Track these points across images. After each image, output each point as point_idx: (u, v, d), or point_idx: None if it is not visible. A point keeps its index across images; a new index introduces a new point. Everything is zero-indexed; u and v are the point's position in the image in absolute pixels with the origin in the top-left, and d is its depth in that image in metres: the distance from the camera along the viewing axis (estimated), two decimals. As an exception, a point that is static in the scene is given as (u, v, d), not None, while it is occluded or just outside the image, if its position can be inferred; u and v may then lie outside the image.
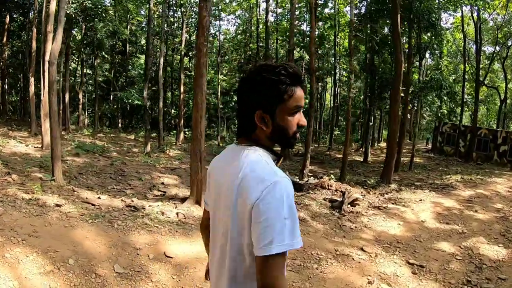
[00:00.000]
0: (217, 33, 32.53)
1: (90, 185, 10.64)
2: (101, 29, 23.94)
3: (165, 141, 26.45)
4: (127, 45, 30.23)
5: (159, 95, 21.15)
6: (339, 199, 10.41)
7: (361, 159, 22.63)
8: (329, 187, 11.57)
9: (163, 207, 8.48)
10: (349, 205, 9.96)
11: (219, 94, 28.95)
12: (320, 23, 23.59)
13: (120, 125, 32.89)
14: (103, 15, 22.73)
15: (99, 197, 8.93)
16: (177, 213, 7.96)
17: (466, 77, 30.61)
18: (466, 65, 27.25)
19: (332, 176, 13.57)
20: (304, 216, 9.22)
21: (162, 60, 21.79)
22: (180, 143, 25.30)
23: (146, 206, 8.33)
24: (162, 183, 12.13)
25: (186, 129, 29.08)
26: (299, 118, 1.50)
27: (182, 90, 26.13)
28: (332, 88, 34.36)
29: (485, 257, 7.38)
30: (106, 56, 30.04)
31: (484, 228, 9.18)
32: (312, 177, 13.21)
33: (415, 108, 24.78)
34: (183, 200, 9.35)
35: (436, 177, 16.83)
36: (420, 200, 11.13)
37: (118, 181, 11.91)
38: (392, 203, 10.71)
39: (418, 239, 8.08)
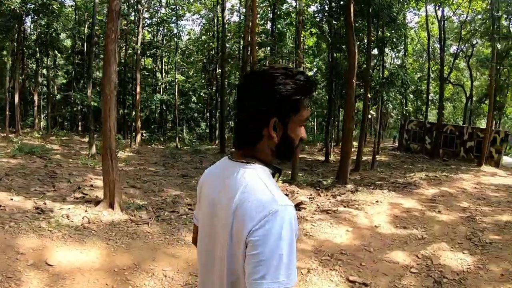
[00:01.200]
0: (180, 33, 30.68)
1: (12, 186, 9.30)
2: (54, 27, 21.90)
3: (123, 143, 24.64)
4: (85, 44, 28.06)
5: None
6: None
7: (323, 158, 21.14)
8: None
9: (73, 210, 7.33)
10: None
11: (176, 94, 27.09)
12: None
13: (80, 127, 30.66)
14: (56, 12, 20.66)
15: (11, 198, 7.97)
16: (83, 217, 6.98)
17: (432, 75, 29.80)
18: (431, 63, 26.15)
19: (281, 177, 11.98)
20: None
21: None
22: (137, 145, 23.42)
23: (55, 209, 7.39)
24: (91, 186, 10.51)
25: (143, 131, 27.23)
26: (303, 131, 1.37)
27: (138, 90, 24.37)
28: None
29: (446, 268, 5.88)
30: (60, 55, 27.78)
31: (447, 231, 7.73)
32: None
33: (376, 106, 23.57)
34: (97, 203, 7.91)
35: (399, 175, 15.48)
36: (377, 201, 9.65)
37: (44, 183, 10.42)
38: (344, 206, 9.18)
39: (367, 248, 6.53)
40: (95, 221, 6.91)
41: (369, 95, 16.40)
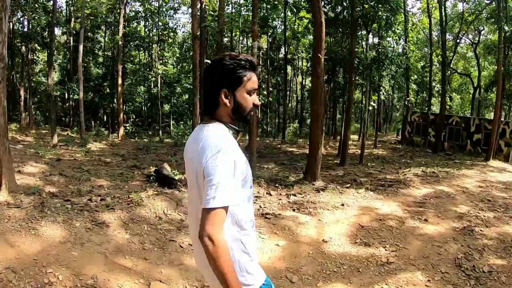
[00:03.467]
0: (166, 25, 28.19)
1: None
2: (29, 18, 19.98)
3: (105, 134, 22.61)
4: (67, 36, 26.13)
5: (79, 85, 17.31)
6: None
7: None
8: None
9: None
10: None
11: (159, 85, 24.77)
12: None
13: (70, 122, 28.78)
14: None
15: None
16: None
17: (435, 63, 26.90)
18: (433, 48, 23.16)
19: None
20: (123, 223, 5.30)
21: (81, 47, 17.91)
22: (119, 139, 21.40)
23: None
24: (18, 171, 8.59)
25: (127, 124, 25.12)
26: (254, 98, 1.73)
27: (119, 82, 22.44)
28: (292, 79, 30.54)
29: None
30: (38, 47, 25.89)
31: (429, 252, 5.25)
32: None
33: (376, 95, 20.79)
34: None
35: (391, 171, 12.89)
36: (343, 204, 7.17)
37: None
38: (294, 209, 6.75)
39: (293, 274, 4.13)
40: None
41: (358, 80, 13.75)
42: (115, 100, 28.63)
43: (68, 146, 16.01)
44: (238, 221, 1.64)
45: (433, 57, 22.47)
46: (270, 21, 21.35)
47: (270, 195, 7.82)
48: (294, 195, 7.82)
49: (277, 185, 8.82)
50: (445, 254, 5.18)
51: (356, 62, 14.24)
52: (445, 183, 10.85)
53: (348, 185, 9.55)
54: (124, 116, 28.73)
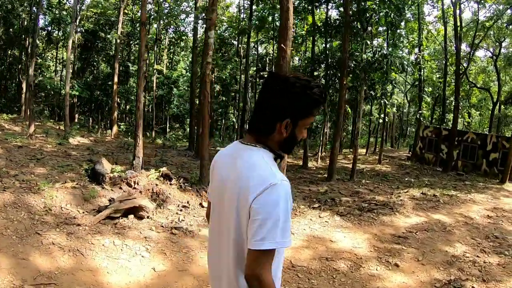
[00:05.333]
0: (168, 28, 26.92)
1: None
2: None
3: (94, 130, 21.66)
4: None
5: (67, 79, 16.24)
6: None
7: (301, 163, 16.55)
8: (135, 185, 6.48)
9: None
10: (121, 216, 5.28)
11: (154, 86, 23.52)
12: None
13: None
14: None
15: None
16: None
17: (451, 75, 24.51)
18: (448, 57, 20.76)
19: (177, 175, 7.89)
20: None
21: (70, 42, 17.01)
22: (112, 137, 20.39)
23: None
24: None
25: (121, 123, 23.94)
26: (305, 132, 1.51)
27: (115, 80, 21.39)
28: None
29: None
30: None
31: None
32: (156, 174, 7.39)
33: (388, 107, 18.68)
34: None
35: (385, 191, 10.83)
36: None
37: None
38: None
39: None
40: None
41: (353, 84, 11.76)
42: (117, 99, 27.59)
43: (46, 137, 15.12)
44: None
45: (448, 67, 20.12)
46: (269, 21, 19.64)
47: (202, 207, 6.24)
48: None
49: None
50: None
51: (352, 65, 12.29)
52: (445, 210, 8.75)
53: (317, 205, 7.63)
54: (124, 115, 27.61)
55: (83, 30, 26.86)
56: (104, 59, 28.23)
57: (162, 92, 25.77)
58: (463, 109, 30.32)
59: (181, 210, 6.05)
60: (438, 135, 21.51)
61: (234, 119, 29.40)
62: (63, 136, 15.85)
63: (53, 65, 30.44)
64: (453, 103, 25.55)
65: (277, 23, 21.83)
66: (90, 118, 26.81)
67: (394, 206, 8.25)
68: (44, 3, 20.09)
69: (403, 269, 4.69)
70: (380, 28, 18.34)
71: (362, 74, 12.20)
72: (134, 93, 25.82)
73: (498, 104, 25.70)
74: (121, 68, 25.44)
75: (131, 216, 5.32)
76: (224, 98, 26.72)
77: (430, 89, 23.91)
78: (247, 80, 20.85)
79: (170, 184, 7.03)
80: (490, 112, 28.98)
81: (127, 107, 29.08)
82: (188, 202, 6.40)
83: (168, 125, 26.65)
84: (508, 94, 23.86)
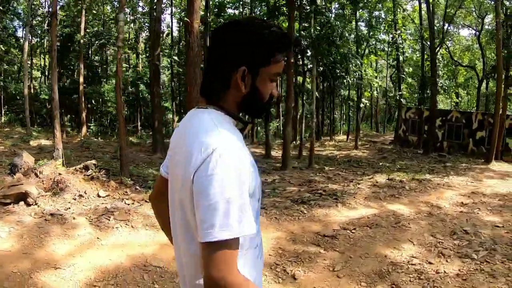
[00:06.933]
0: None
1: None
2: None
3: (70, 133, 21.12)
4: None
5: (24, 81, 15.00)
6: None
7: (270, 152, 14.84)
8: (40, 174, 6.52)
9: None
10: (12, 203, 5.28)
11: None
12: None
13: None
14: None
15: None
16: None
17: (440, 59, 22.62)
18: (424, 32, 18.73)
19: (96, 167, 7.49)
20: None
21: (26, 44, 16.72)
22: (82, 138, 19.24)
23: None
24: None
25: (92, 124, 22.64)
26: (273, 87, 1.15)
27: (81, 80, 20.70)
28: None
29: None
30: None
31: None
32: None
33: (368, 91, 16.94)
34: None
35: (348, 178, 9.09)
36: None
37: None
38: (107, 218, 4.85)
39: None
40: None
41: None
42: (92, 101, 26.08)
43: (4, 140, 14.78)
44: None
45: (425, 46, 18.25)
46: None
47: (99, 196, 6.19)
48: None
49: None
50: None
51: (306, 43, 10.63)
52: (409, 198, 7.03)
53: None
54: (98, 116, 26.40)
55: (58, 34, 25.51)
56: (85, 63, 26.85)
57: (130, 90, 24.41)
58: (450, 89, 28.45)
59: (74, 199, 5.92)
60: (420, 116, 19.77)
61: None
62: (23, 139, 15.42)
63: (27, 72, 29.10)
64: (439, 83, 23.81)
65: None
66: (62, 121, 25.54)
67: (343, 196, 6.52)
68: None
69: (300, 283, 3.00)
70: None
71: (313, 51, 10.48)
72: (107, 95, 24.62)
73: (485, 82, 23.85)
74: (94, 70, 24.20)
75: (22, 203, 5.32)
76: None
77: (411, 69, 22.09)
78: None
79: (85, 175, 6.96)
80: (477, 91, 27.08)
81: (104, 109, 27.72)
82: (85, 192, 6.22)
83: (139, 123, 25.04)
84: (490, 68, 21.95)
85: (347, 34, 11.04)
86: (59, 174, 6.58)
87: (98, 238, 4.38)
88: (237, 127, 1.11)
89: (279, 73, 1.14)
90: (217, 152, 0.93)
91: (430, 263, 4.10)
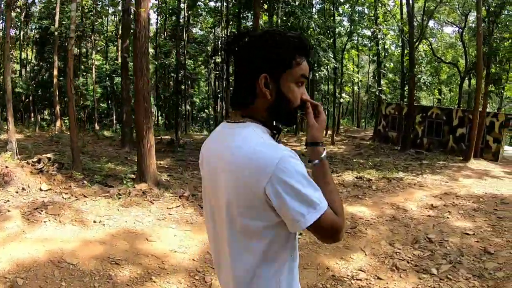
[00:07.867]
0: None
1: None
2: None
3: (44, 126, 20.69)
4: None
5: None
6: None
7: None
8: None
9: None
10: None
11: (93, 77, 21.30)
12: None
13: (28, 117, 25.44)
14: None
15: None
16: None
17: (423, 55, 22.02)
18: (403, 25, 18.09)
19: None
20: None
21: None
22: (56, 131, 18.35)
23: None
24: None
25: (66, 118, 21.80)
26: (303, 91, 1.14)
27: (55, 73, 19.55)
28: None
29: None
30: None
31: None
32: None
33: (348, 87, 16.21)
34: None
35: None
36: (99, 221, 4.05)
37: None
38: (40, 211, 4.72)
39: None
40: None
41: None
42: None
43: None
44: (294, 245, 1.14)
45: (404, 41, 17.61)
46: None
47: (41, 190, 6.10)
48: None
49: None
50: None
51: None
52: (373, 199, 6.30)
53: (187, 194, 5.25)
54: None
55: (37, 27, 24.52)
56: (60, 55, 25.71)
57: (103, 84, 23.42)
58: (432, 85, 27.96)
59: (17, 192, 5.91)
60: (400, 111, 19.17)
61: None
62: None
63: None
64: (421, 79, 23.24)
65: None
66: (39, 115, 24.64)
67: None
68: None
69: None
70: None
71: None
72: (87, 88, 23.64)
73: (467, 79, 23.38)
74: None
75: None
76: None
77: (392, 65, 21.47)
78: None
79: (35, 168, 6.96)
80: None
81: (84, 102, 26.68)
82: (29, 185, 6.21)
83: (115, 117, 23.97)
84: (472, 65, 21.42)
85: (313, 25, 10.22)
86: (6, 167, 6.54)
87: (23, 231, 4.17)
88: (274, 138, 1.11)
89: (305, 76, 1.11)
90: (282, 160, 0.96)
91: (379, 278, 3.37)
